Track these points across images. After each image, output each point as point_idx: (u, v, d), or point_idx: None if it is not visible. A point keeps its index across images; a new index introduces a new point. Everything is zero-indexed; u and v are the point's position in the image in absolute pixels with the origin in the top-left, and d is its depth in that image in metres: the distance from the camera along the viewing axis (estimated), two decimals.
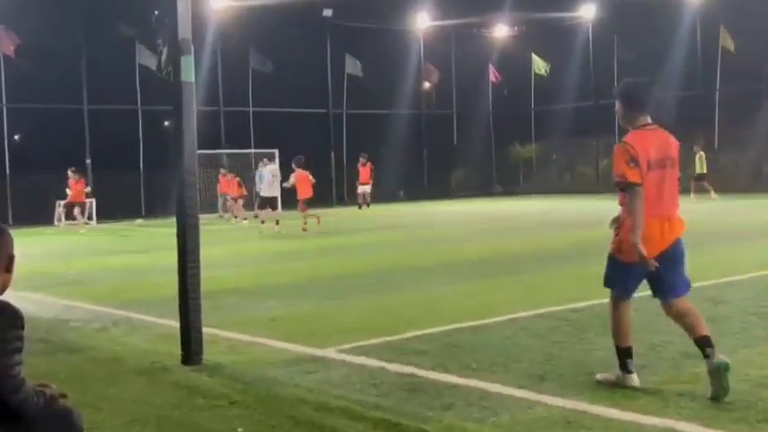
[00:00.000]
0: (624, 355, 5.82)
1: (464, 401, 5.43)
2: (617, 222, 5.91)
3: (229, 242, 19.28)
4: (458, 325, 7.96)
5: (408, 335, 7.58)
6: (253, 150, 34.76)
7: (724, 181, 33.08)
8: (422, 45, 42.72)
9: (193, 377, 6.30)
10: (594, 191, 38.35)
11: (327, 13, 37.72)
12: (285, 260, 15.04)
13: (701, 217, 21.76)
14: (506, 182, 44.21)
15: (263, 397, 5.67)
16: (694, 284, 10.17)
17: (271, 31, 35.49)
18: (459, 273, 12.33)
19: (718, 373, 5.28)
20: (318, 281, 11.94)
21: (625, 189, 5.71)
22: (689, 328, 5.82)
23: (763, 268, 11.16)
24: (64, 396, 3.42)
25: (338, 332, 7.84)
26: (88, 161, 32.17)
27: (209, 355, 6.78)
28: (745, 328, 7.44)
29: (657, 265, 5.55)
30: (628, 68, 39.61)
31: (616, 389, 5.56)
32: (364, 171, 30.85)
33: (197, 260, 6.80)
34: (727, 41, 35.66)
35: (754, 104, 35.41)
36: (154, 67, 30.27)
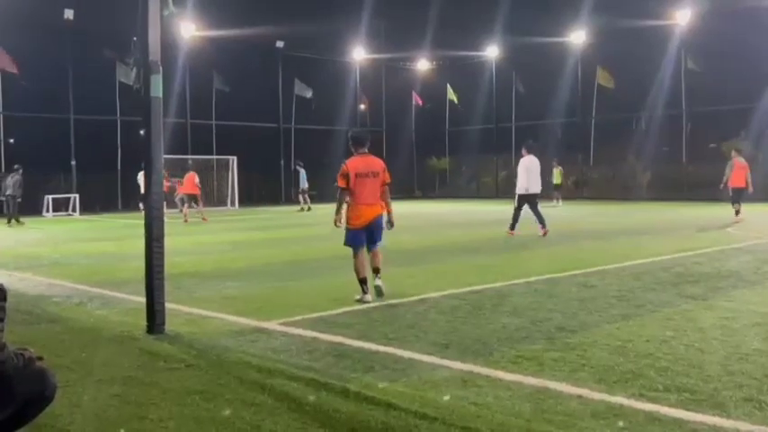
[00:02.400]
0: (362, 282, 8.21)
1: (381, 365, 5.45)
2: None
3: (191, 234, 18.97)
4: (378, 303, 8.01)
5: (339, 311, 7.60)
6: (214, 157, 34.44)
7: (598, 191, 34.01)
8: (358, 74, 42.74)
9: (156, 344, 6.19)
10: (494, 197, 39.03)
11: (280, 44, 37.74)
12: (240, 249, 14.88)
13: (576, 219, 22.33)
14: (425, 188, 44.56)
15: (215, 361, 5.60)
16: (570, 272, 10.48)
17: (232, 57, 35.38)
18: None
19: (377, 288, 8.19)
20: (267, 267, 11.85)
21: (342, 190, 8.33)
22: (373, 261, 8.38)
23: (625, 260, 11.43)
24: (40, 358, 3.35)
25: (280, 309, 7.80)
26: (73, 162, 31.39)
27: (170, 326, 6.68)
28: (607, 307, 7.59)
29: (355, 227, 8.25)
30: (522, 98, 40.53)
31: (506, 355, 5.67)
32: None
33: (161, 246, 6.69)
34: (604, 79, 36.61)
35: (624, 130, 36.52)
36: (129, 83, 29.63)
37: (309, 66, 39.36)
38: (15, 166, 23.90)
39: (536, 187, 16.55)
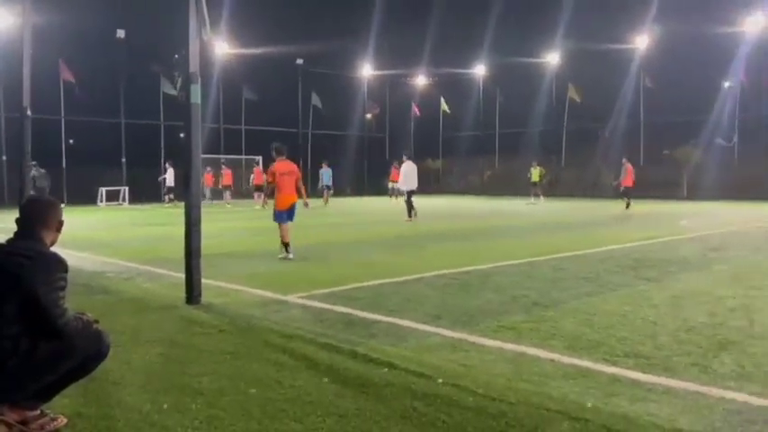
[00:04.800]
0: (286, 245, 10.09)
1: (384, 332, 5.46)
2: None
3: (226, 221, 18.95)
4: (382, 281, 7.99)
5: (348, 287, 7.58)
6: (243, 156, 34.42)
7: (569, 189, 33.90)
8: (366, 87, 42.61)
9: (193, 313, 6.19)
10: (480, 193, 38.95)
11: (299, 61, 37.63)
12: (265, 234, 14.86)
13: (552, 213, 22.29)
14: (422, 185, 44.16)
15: (243, 327, 5.61)
16: (545, 257, 10.44)
17: (258, 72, 35.33)
18: (385, 246, 12.35)
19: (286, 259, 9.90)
20: None
21: (269, 183, 10.61)
22: (284, 235, 10.18)
23: (592, 247, 11.42)
24: (97, 322, 3.35)
25: (299, 284, 7.79)
26: (123, 160, 31.40)
27: (205, 297, 6.68)
28: (576, 287, 7.58)
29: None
30: (505, 109, 40.42)
31: (490, 325, 5.67)
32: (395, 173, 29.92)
33: (199, 230, 6.68)
34: (574, 94, 36.51)
35: (591, 136, 36.46)
36: (174, 93, 29.71)
37: (324, 80, 39.31)
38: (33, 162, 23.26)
39: (413, 185, 18.33)
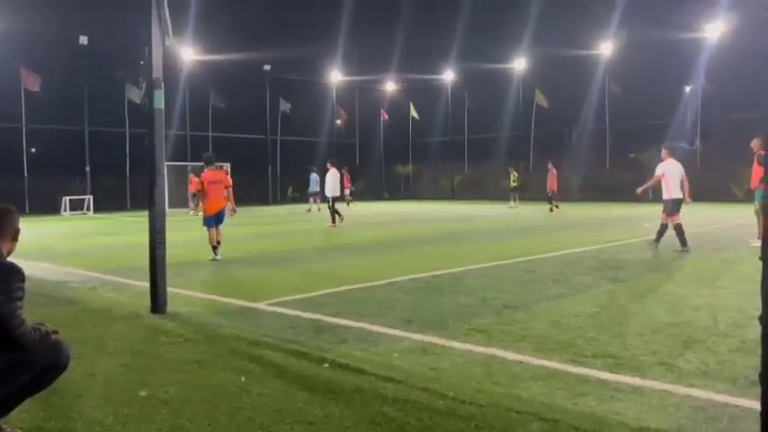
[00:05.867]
0: (214, 248, 10.89)
1: (355, 338, 5.42)
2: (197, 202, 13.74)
3: (190, 229, 18.66)
4: (352, 286, 7.97)
5: (318, 293, 7.53)
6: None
7: (537, 193, 34.25)
8: (335, 93, 42.54)
9: (159, 322, 6.08)
10: (450, 198, 39.18)
11: (267, 67, 37.38)
12: (232, 243, 14.69)
13: (521, 217, 22.51)
14: (392, 190, 44.50)
15: (210, 335, 5.51)
16: (515, 259, 10.51)
17: (225, 78, 34.96)
18: (355, 251, 12.33)
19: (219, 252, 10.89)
20: (255, 257, 11.74)
21: (198, 191, 11.85)
22: (218, 235, 10.95)
23: (561, 249, 11.55)
24: (56, 332, 3.25)
25: (267, 291, 7.73)
26: (87, 168, 30.79)
27: (171, 306, 6.57)
28: (545, 288, 7.66)
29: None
30: (473, 115, 40.76)
31: (460, 328, 5.68)
32: (346, 179, 29.77)
33: (163, 238, 6.57)
34: (540, 99, 36.99)
35: (559, 141, 36.97)
36: (138, 100, 29.23)
37: (293, 86, 39.12)
38: None
39: (336, 192, 19.03)
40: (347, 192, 29.99)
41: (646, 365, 4.53)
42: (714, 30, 31.12)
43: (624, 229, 16.12)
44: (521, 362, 4.63)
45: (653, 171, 12.00)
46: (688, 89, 33.21)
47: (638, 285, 7.81)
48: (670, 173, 11.38)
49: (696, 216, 20.81)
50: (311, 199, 28.64)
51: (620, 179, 32.03)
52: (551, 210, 24.21)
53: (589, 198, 32.72)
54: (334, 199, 18.85)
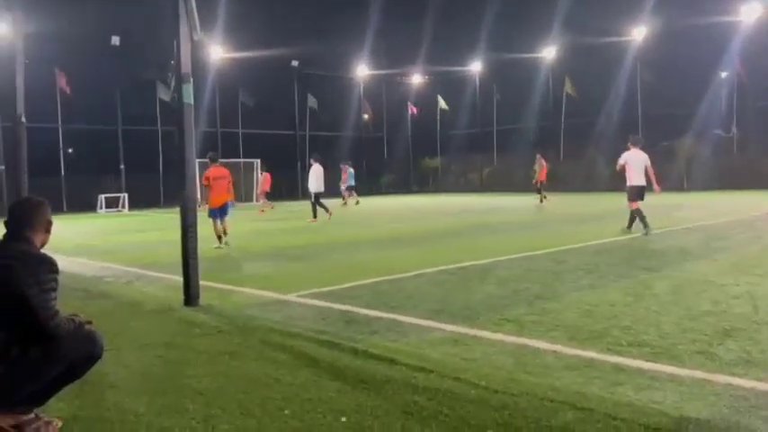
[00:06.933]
0: (219, 238, 11.81)
1: (385, 328, 5.39)
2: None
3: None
4: (382, 278, 7.93)
5: (348, 285, 7.52)
6: (241, 160, 34.31)
7: (567, 183, 33.80)
8: (362, 88, 42.54)
9: (192, 315, 6.13)
10: (479, 191, 38.93)
11: (295, 63, 37.50)
12: (262, 237, 14.83)
13: (550, 208, 22.23)
14: (420, 183, 44.41)
15: (243, 328, 5.54)
16: (545, 250, 10.37)
17: (254, 75, 35.24)
18: (383, 244, 12.30)
19: (227, 243, 11.87)
20: (287, 250, 11.78)
21: (204, 187, 12.29)
22: (224, 227, 11.95)
23: (591, 240, 11.38)
24: (90, 323, 3.28)
25: (297, 283, 7.73)
26: (122, 167, 31.34)
27: (204, 299, 6.62)
28: (577, 278, 7.53)
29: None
30: (502, 106, 40.35)
31: (491, 319, 5.60)
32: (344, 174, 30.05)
33: (195, 232, 6.62)
34: (570, 88, 36.43)
35: (587, 131, 36.34)
36: (168, 99, 29.64)
37: (320, 81, 39.22)
38: None
39: (320, 187, 18.84)
40: (344, 187, 29.99)
41: (684, 354, 4.40)
42: (749, 12, 30.23)
43: (655, 219, 15.76)
44: (554, 351, 4.54)
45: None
46: (724, 75, 32.35)
47: (674, 274, 7.62)
48: (632, 162, 12.28)
49: (733, 203, 20.28)
50: (347, 192, 28.58)
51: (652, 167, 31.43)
52: (541, 200, 24.27)
53: (620, 188, 32.11)
54: (318, 194, 18.75)
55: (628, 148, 12.59)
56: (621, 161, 12.47)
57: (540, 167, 24.89)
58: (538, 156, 25.38)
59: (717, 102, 32.05)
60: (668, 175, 31.53)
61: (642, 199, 12.28)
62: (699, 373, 3.99)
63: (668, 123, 32.97)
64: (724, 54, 31.22)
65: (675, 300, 6.17)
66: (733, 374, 3.95)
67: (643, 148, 12.56)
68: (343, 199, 28.00)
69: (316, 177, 18.88)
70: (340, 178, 28.37)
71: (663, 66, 31.91)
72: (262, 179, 27.20)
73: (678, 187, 30.44)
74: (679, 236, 11.62)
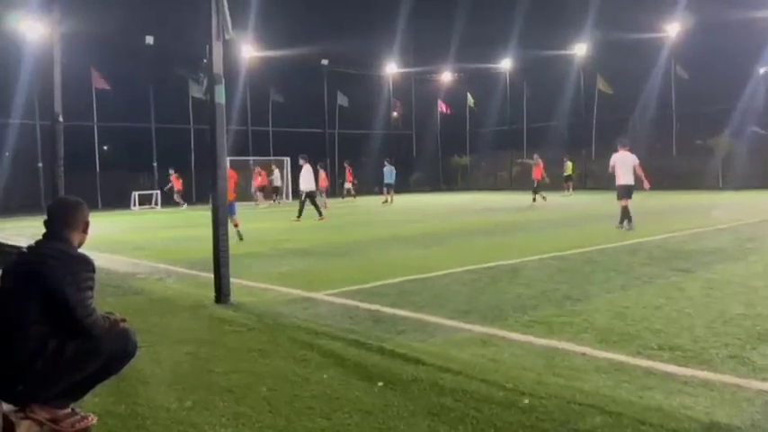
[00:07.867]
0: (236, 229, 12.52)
1: (412, 328, 5.40)
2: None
3: (253, 221, 19.08)
4: (409, 277, 7.93)
5: (375, 284, 7.55)
6: (271, 158, 34.57)
7: (599, 181, 33.34)
8: (391, 85, 42.57)
9: (222, 312, 6.23)
10: (509, 188, 38.62)
11: (324, 62, 37.72)
12: (291, 234, 14.94)
13: (582, 206, 21.95)
14: (449, 181, 44.22)
15: (271, 325, 5.61)
16: (575, 250, 10.24)
17: (284, 73, 35.51)
18: (411, 243, 12.26)
19: (240, 235, 12.49)
20: (314, 248, 11.85)
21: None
22: (233, 222, 11.93)
23: (623, 240, 11.20)
24: (124, 320, 3.36)
25: (326, 282, 7.79)
26: (155, 164, 31.89)
27: (234, 296, 6.72)
28: (607, 279, 7.44)
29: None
30: (532, 103, 39.96)
31: (520, 320, 5.57)
32: (348, 173, 30.86)
33: (226, 230, 6.72)
34: (603, 85, 35.90)
35: (620, 128, 35.75)
36: (200, 95, 30.12)
37: (349, 79, 39.32)
38: None
39: (311, 187, 18.95)
40: (348, 185, 30.09)
41: (717, 359, 4.32)
42: None
43: (690, 218, 15.47)
44: (583, 354, 4.50)
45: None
46: (762, 71, 31.50)
47: (708, 276, 7.46)
48: (620, 162, 13.09)
49: None
50: (385, 190, 28.59)
51: (686, 166, 30.81)
52: (534, 199, 24.15)
53: (654, 187, 31.58)
54: (308, 194, 18.71)
55: (616, 150, 13.30)
56: (611, 163, 13.34)
57: (538, 167, 24.87)
58: (535, 155, 25.60)
59: (754, 98, 31.23)
60: (703, 174, 30.95)
61: (630, 197, 13.07)
62: (731, 378, 3.91)
63: (703, 121, 32.27)
64: (762, 49, 30.41)
65: (708, 302, 6.05)
66: (766, 380, 3.87)
67: (631, 150, 13.28)
68: (385, 196, 28.11)
69: (306, 177, 18.88)
70: (344, 177, 28.72)
71: (698, 62, 31.21)
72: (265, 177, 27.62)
73: (713, 186, 29.80)
74: (711, 237, 11.39)
